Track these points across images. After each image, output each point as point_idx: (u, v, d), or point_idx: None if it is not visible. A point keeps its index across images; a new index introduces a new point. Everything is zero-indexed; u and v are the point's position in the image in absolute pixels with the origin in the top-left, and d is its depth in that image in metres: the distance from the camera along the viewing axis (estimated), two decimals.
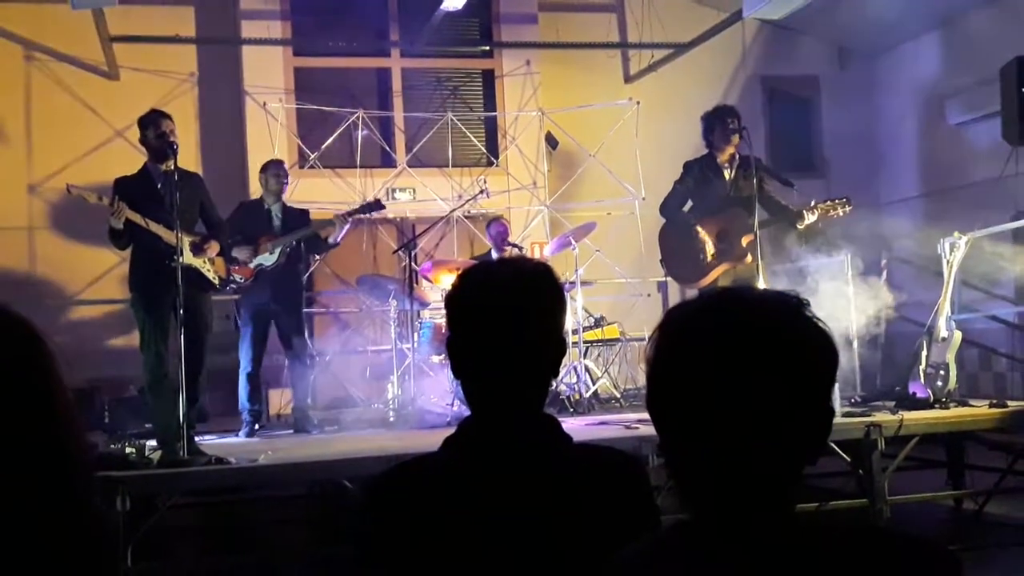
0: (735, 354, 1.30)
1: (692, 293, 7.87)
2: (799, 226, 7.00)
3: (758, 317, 1.34)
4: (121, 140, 10.25)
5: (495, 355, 1.95)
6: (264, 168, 8.18)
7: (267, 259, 7.76)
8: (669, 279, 8.98)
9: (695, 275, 7.26)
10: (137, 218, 6.10)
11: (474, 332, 1.98)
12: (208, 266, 6.41)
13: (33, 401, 1.30)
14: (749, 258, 6.96)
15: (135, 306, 6.35)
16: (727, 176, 7.24)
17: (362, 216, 8.72)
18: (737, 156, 7.25)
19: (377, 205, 8.44)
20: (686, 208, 7.35)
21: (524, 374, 1.97)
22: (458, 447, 1.96)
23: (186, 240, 6.16)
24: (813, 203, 7.03)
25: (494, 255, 8.98)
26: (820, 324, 1.36)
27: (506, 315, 1.95)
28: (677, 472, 1.38)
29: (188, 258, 6.11)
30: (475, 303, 2.00)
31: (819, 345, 1.34)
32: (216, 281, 6.48)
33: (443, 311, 8.35)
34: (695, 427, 1.33)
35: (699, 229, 7.14)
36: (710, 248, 7.12)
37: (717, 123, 7.21)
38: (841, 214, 7.00)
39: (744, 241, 6.99)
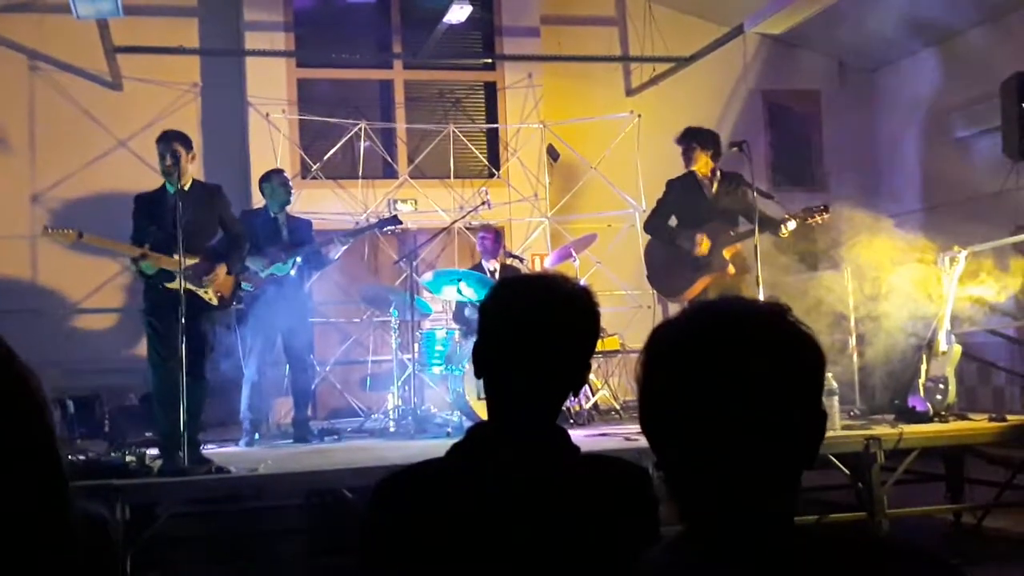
0: (722, 367, 1.31)
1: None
2: (781, 235, 7.21)
3: (741, 328, 1.35)
4: (124, 150, 10.29)
5: (519, 368, 1.99)
6: (268, 178, 8.19)
7: (281, 269, 7.82)
8: None
9: (680, 287, 7.46)
10: (115, 246, 6.28)
11: (502, 343, 2.02)
12: (204, 289, 6.40)
13: (24, 416, 1.31)
14: (732, 269, 7.23)
15: (143, 317, 6.42)
16: (708, 191, 7.46)
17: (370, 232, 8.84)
18: (719, 171, 7.49)
19: (394, 220, 8.49)
20: (671, 224, 7.64)
21: (545, 390, 2.01)
22: (467, 452, 1.98)
23: (188, 263, 6.17)
24: (788, 214, 7.26)
25: (486, 264, 8.96)
26: (804, 328, 1.37)
27: (535, 333, 1.99)
28: (675, 487, 1.39)
29: (186, 283, 6.12)
30: (507, 315, 2.03)
31: (804, 349, 1.36)
32: (215, 302, 6.48)
33: (443, 322, 8.43)
34: (689, 443, 1.34)
35: (691, 232, 7.34)
36: (705, 245, 7.25)
37: (682, 147, 7.51)
38: (820, 222, 7.23)
39: (726, 253, 7.24)
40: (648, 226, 7.80)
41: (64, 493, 1.32)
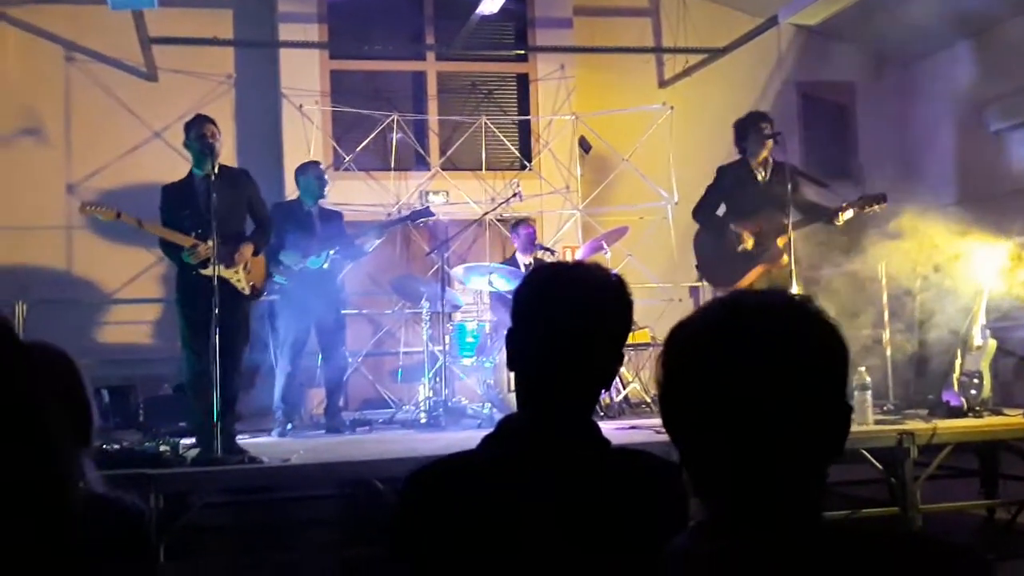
0: (742, 363, 1.31)
1: None
2: (837, 223, 7.07)
3: (761, 322, 1.34)
4: (159, 141, 10.36)
5: (553, 358, 1.98)
6: (304, 170, 8.22)
7: (315, 262, 7.82)
8: (701, 284, 8.98)
9: (732, 277, 7.27)
10: (169, 234, 6.23)
11: (535, 332, 2.01)
12: (239, 276, 6.44)
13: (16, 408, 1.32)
14: (785, 259, 7.04)
15: (176, 306, 6.49)
16: (760, 179, 7.30)
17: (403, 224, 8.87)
18: (771, 160, 7.31)
19: (427, 212, 8.49)
20: (719, 212, 7.44)
21: (577, 381, 1.99)
22: (499, 444, 1.98)
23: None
24: (846, 203, 7.10)
25: (520, 258, 8.97)
26: (827, 320, 1.36)
27: (570, 323, 1.97)
28: (699, 483, 1.39)
29: (219, 270, 6.10)
30: (542, 304, 2.02)
31: (827, 342, 1.34)
32: (247, 291, 6.50)
33: (474, 314, 8.44)
34: (712, 439, 1.34)
35: (734, 227, 7.21)
36: (749, 243, 7.15)
37: (751, 128, 7.28)
38: (877, 210, 7.06)
39: (780, 242, 7.09)
40: (698, 214, 7.53)
41: (64, 487, 1.32)
